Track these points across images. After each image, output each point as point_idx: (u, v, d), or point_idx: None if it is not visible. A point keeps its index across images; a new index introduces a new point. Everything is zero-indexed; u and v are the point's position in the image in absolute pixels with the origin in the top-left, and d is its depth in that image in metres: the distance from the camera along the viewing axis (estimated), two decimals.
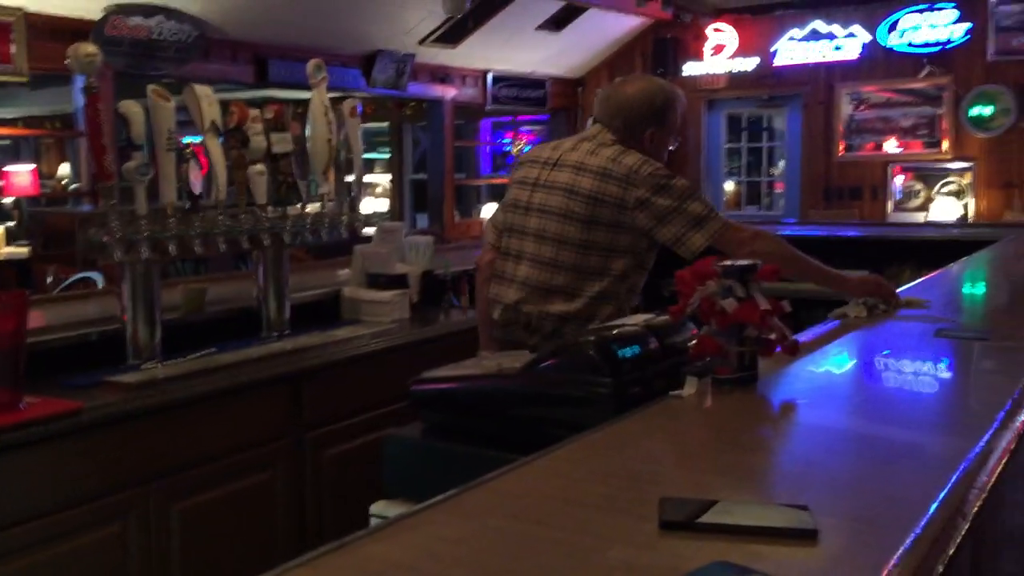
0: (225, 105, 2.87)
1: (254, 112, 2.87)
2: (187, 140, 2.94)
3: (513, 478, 1.31)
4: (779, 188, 10.65)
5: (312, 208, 3.11)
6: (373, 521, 1.80)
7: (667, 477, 1.35)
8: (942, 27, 9.09)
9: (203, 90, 2.76)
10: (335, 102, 3.20)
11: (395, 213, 12.25)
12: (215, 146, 2.76)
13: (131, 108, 2.59)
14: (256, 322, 3.10)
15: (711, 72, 10.42)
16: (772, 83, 10.16)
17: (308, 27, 7.89)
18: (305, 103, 3.08)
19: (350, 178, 3.34)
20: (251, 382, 2.62)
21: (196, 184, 2.75)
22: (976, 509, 1.16)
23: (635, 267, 2.55)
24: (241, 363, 2.71)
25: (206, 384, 2.51)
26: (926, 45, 9.18)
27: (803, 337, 2.20)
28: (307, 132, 3.06)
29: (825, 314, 2.76)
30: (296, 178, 3.04)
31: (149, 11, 6.81)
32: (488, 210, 11.18)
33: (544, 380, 1.83)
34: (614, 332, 1.89)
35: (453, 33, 8.98)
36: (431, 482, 1.38)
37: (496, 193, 12.09)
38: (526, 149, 12.17)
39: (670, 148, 2.68)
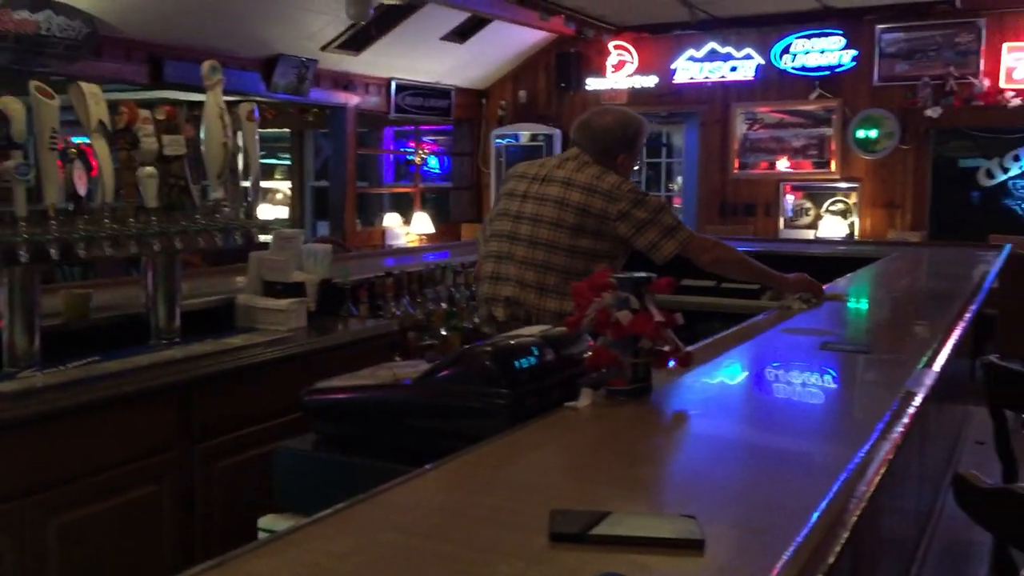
0: (115, 105, 2.77)
1: (145, 113, 2.77)
2: (77, 140, 2.82)
3: (404, 491, 1.29)
4: (677, 203, 10.88)
5: (205, 213, 3.02)
6: (261, 535, 1.76)
7: (559, 489, 1.35)
8: (831, 52, 9.46)
9: (90, 88, 2.65)
10: (232, 105, 3.12)
11: (295, 220, 12.04)
12: (102, 147, 2.66)
13: (11, 105, 2.47)
14: (145, 330, 2.99)
15: (613, 88, 10.59)
16: (671, 100, 10.39)
17: (206, 28, 7.70)
18: (202, 105, 3.00)
19: (247, 183, 3.26)
20: (137, 391, 2.52)
21: (81, 186, 2.64)
22: (855, 518, 1.20)
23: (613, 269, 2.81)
24: (127, 372, 2.60)
25: (88, 393, 2.41)
26: (817, 69, 9.53)
27: (696, 348, 2.25)
28: (201, 135, 2.97)
29: (719, 327, 2.83)
30: (189, 182, 2.95)
31: (37, 5, 6.53)
32: (390, 218, 11.09)
33: (440, 390, 1.82)
34: (511, 342, 1.89)
35: (357, 40, 8.89)
36: (322, 495, 1.36)
37: (398, 202, 12.02)
38: (429, 159, 12.19)
39: (635, 167, 3.21)
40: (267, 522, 1.81)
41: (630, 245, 2.93)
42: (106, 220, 2.67)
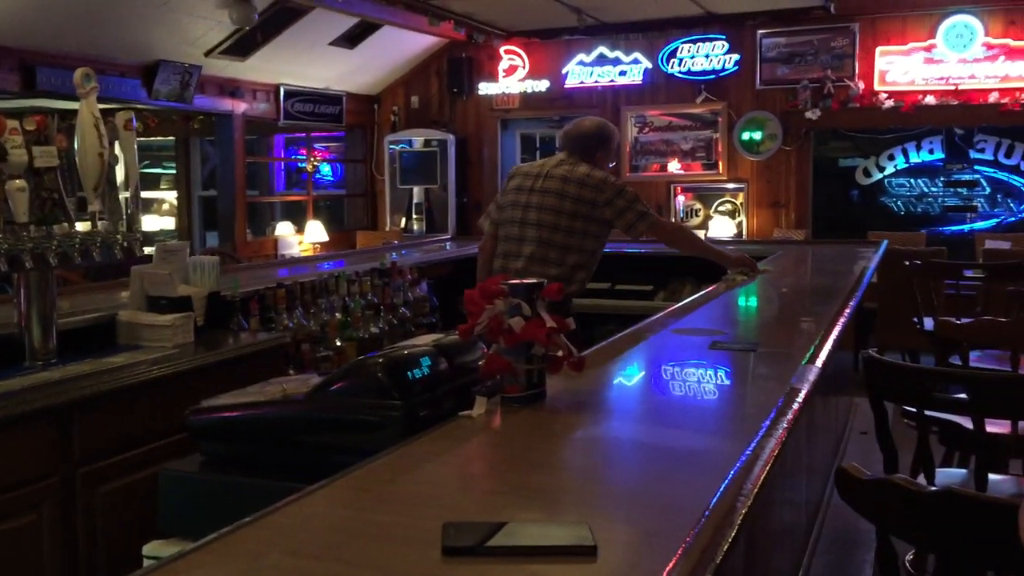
0: None
1: (12, 123, 2.64)
2: None
3: (293, 510, 1.25)
4: None
5: (82, 227, 2.90)
6: (147, 563, 1.68)
7: (453, 501, 1.34)
8: (715, 57, 9.72)
9: None
10: (109, 114, 3.00)
11: (183, 231, 11.69)
12: None
13: None
14: (18, 351, 2.84)
15: (505, 92, 10.64)
16: (563, 104, 10.49)
17: (82, 34, 7.40)
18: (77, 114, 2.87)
19: (126, 194, 3.14)
20: (11, 417, 2.39)
21: None
22: (743, 516, 1.22)
23: (598, 247, 3.91)
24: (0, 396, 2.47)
25: None
26: (702, 73, 9.78)
27: (590, 352, 2.26)
28: (76, 145, 2.84)
29: (614, 329, 2.86)
30: (63, 195, 2.82)
31: None
32: (282, 227, 10.87)
33: (332, 405, 1.78)
34: (404, 352, 1.86)
35: (242, 45, 8.68)
36: (210, 519, 1.31)
37: (291, 210, 11.78)
38: (322, 166, 12.01)
39: (610, 164, 4.11)
40: (152, 549, 1.74)
41: (612, 226, 3.84)
42: None
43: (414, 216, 10.64)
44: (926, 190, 9.18)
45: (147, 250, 3.38)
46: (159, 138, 11.72)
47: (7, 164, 2.64)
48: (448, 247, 6.77)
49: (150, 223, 12.04)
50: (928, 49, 8.87)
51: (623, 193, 3.83)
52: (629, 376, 2.24)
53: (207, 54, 8.55)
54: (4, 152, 2.62)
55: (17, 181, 2.65)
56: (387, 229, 10.81)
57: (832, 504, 3.60)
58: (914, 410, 2.61)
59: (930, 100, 8.78)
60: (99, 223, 2.93)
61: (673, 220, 9.92)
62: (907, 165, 9.20)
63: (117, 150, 3.01)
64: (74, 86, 2.89)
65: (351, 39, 9.59)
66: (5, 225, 2.65)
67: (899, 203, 9.28)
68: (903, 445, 2.63)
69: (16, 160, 2.65)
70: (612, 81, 10.15)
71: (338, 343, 3.82)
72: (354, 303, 3.98)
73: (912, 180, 9.22)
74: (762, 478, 1.35)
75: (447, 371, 1.85)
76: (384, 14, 8.71)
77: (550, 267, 3.72)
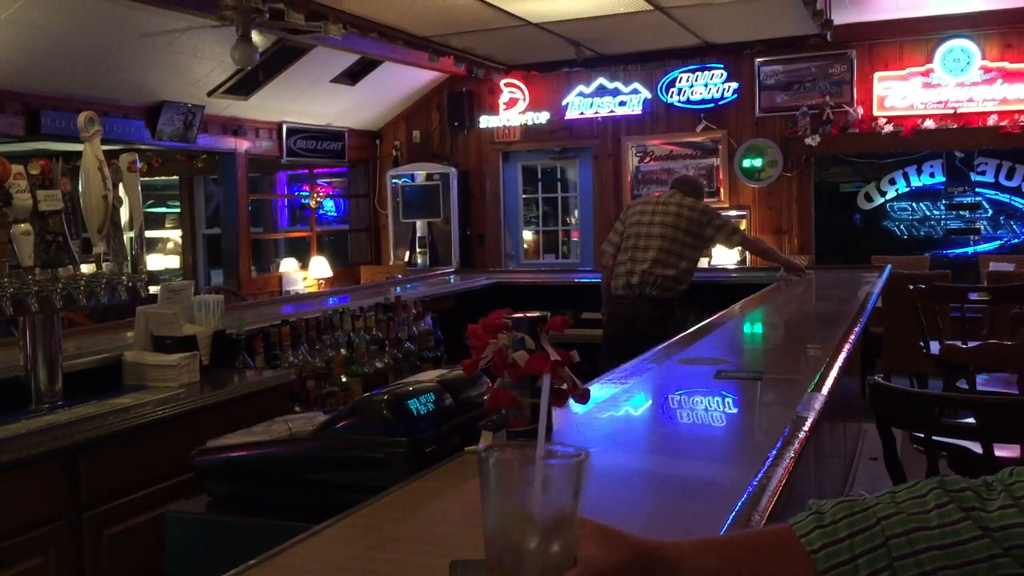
0: None
1: (17, 168, 2.66)
2: None
3: (300, 551, 1.25)
4: (576, 237, 11.02)
5: (87, 269, 2.91)
6: None
7: (460, 539, 1.33)
8: (714, 85, 9.78)
9: None
10: (113, 156, 3.03)
11: (188, 269, 11.73)
12: None
13: None
14: (24, 394, 2.84)
15: (506, 125, 10.71)
16: (564, 136, 10.55)
17: (86, 77, 7.48)
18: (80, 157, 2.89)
19: (130, 234, 3.15)
20: (18, 460, 2.39)
21: None
22: None
23: (698, 258, 5.53)
24: (5, 440, 2.46)
25: None
26: (701, 102, 9.84)
27: (595, 384, 2.26)
28: (80, 188, 2.87)
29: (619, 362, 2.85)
30: (67, 237, 2.83)
31: None
32: (287, 263, 10.90)
33: (337, 442, 1.78)
34: (409, 389, 1.86)
35: (244, 85, 8.77)
36: (217, 560, 1.30)
37: (295, 246, 11.82)
38: (325, 202, 12.06)
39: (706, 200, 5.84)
40: None
41: (713, 243, 5.59)
42: None
43: (418, 250, 10.67)
44: (928, 213, 9.19)
45: (152, 289, 3.39)
46: (163, 177, 11.80)
47: (12, 208, 2.66)
48: (452, 280, 6.78)
49: (155, 262, 12.08)
50: (926, 74, 8.93)
51: (719, 217, 5.62)
52: (635, 407, 2.23)
53: (210, 94, 8.63)
54: (9, 197, 2.64)
55: (22, 225, 2.67)
56: (391, 263, 10.83)
57: None
58: (922, 436, 2.59)
59: (929, 124, 8.82)
60: (104, 264, 2.94)
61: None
62: (908, 189, 9.22)
63: (121, 192, 3.03)
64: (78, 129, 2.92)
65: (352, 76, 9.67)
66: (10, 269, 2.66)
67: (901, 227, 9.29)
68: (913, 471, 2.61)
69: (21, 204, 2.67)
70: (612, 111, 10.21)
71: (343, 379, 3.81)
72: (359, 339, 3.98)
73: (914, 204, 9.23)
74: (770, 508, 1.34)
75: (452, 407, 1.85)
76: (384, 51, 8.79)
77: (668, 269, 5.25)
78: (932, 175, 9.12)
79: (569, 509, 0.97)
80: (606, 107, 10.24)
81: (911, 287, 5.52)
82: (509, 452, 1.03)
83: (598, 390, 2.20)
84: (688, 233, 5.30)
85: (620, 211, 10.43)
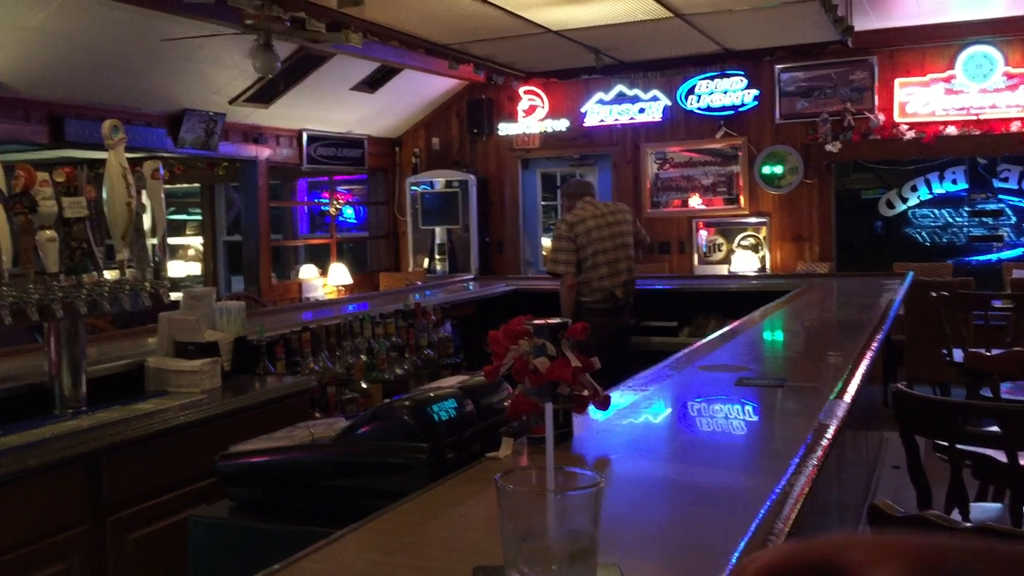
0: (11, 168, 2.68)
1: (43, 175, 2.69)
2: None
3: (322, 556, 1.25)
4: None
5: (111, 275, 2.94)
6: None
7: (482, 545, 1.33)
8: (733, 92, 9.76)
9: None
10: (137, 163, 3.06)
11: (209, 276, 11.80)
12: None
13: None
14: (49, 399, 2.87)
15: (525, 132, 10.72)
16: (583, 143, 10.55)
17: (109, 86, 7.55)
18: (105, 163, 2.92)
19: (153, 241, 3.18)
20: (41, 465, 2.41)
21: None
22: None
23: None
24: (30, 445, 2.49)
25: None
26: (721, 108, 9.82)
27: (615, 391, 2.26)
28: (104, 195, 2.89)
29: (636, 367, 2.84)
30: (92, 244, 2.86)
31: None
32: (306, 270, 10.96)
33: (359, 448, 1.78)
34: (430, 395, 1.86)
35: (265, 93, 8.83)
36: (240, 565, 1.31)
37: (314, 253, 11.88)
38: (344, 209, 12.11)
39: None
40: None
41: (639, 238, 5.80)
42: (5, 287, 2.57)
43: (437, 256, 10.70)
44: (951, 220, 9.12)
45: (174, 296, 3.41)
46: (184, 185, 11.89)
47: (37, 215, 2.69)
48: (471, 287, 6.79)
49: (176, 269, 12.17)
50: (948, 80, 8.87)
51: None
52: (656, 414, 2.23)
53: (231, 102, 8.70)
54: (35, 204, 2.67)
55: (47, 232, 2.70)
56: (410, 270, 10.86)
57: None
58: (946, 444, 2.57)
59: (952, 131, 8.76)
60: (127, 271, 2.97)
61: (696, 255, 9.95)
62: (931, 196, 9.16)
63: (144, 199, 3.05)
64: (102, 136, 2.95)
65: (372, 83, 9.72)
66: (36, 275, 2.69)
67: (924, 234, 9.22)
68: (936, 480, 2.60)
69: (46, 211, 2.70)
70: (631, 119, 10.21)
71: (363, 385, 3.83)
72: (379, 345, 3.99)
73: (936, 211, 9.17)
74: (793, 516, 1.34)
75: (473, 413, 1.85)
76: (404, 58, 8.83)
77: (634, 272, 5.65)
78: (955, 182, 9.06)
79: (587, 538, 0.97)
80: (625, 114, 10.24)
81: (934, 294, 5.48)
82: (525, 479, 1.03)
83: (618, 397, 2.20)
84: (630, 235, 5.62)
85: (640, 218, 10.52)
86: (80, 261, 2.82)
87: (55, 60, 6.90)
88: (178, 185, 11.69)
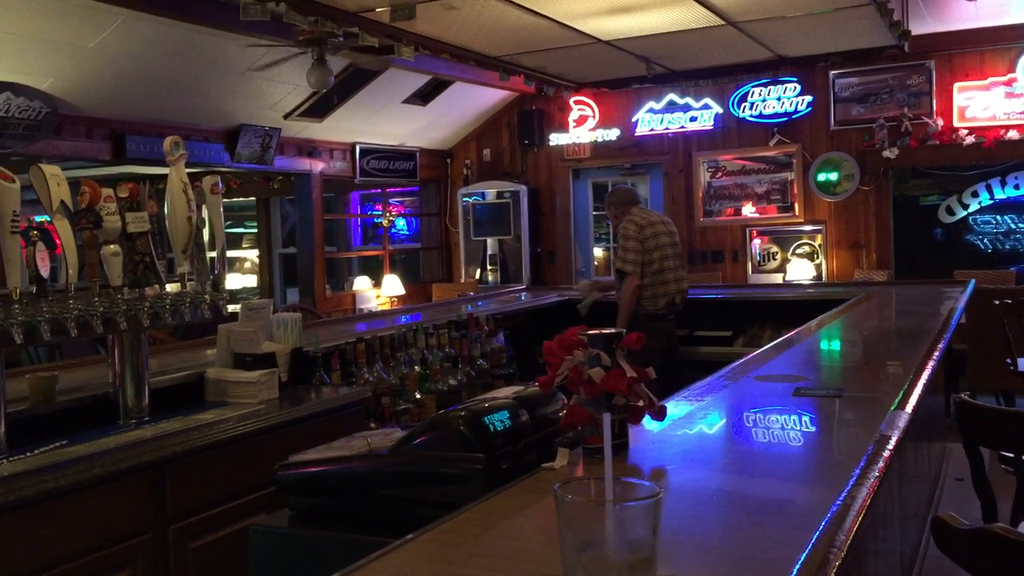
0: (76, 184, 2.76)
1: (107, 191, 2.76)
2: (39, 219, 2.80)
3: (382, 565, 1.26)
4: None
5: (172, 288, 3.00)
6: None
7: (539, 555, 1.33)
8: (787, 99, 9.65)
9: (51, 169, 2.64)
10: (196, 178, 3.12)
11: (264, 288, 11.99)
12: (64, 227, 2.64)
13: None
14: (113, 410, 2.94)
15: (576, 142, 10.72)
16: (634, 152, 10.52)
17: (168, 103, 7.73)
18: (165, 178, 2.99)
19: (213, 254, 3.24)
20: (106, 474, 2.47)
21: (44, 267, 2.62)
22: (835, 569, 1.18)
23: None
24: (95, 454, 2.55)
25: (55, 480, 2.35)
26: (774, 116, 9.72)
27: (670, 401, 2.24)
28: (165, 210, 2.96)
29: (691, 376, 2.82)
30: (154, 258, 2.93)
31: None
32: (360, 282, 11.07)
33: (415, 458, 1.80)
34: (485, 406, 1.87)
35: (319, 107, 8.96)
36: (299, 573, 1.33)
37: (368, 265, 11.99)
38: (397, 221, 12.22)
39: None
40: None
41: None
42: (71, 300, 2.64)
43: (488, 267, 10.74)
44: (1014, 227, 8.91)
45: (232, 308, 3.48)
46: (241, 199, 12.11)
47: (102, 231, 2.76)
48: (523, 297, 6.80)
49: (233, 281, 12.38)
50: (1008, 83, 8.68)
51: None
52: (712, 425, 2.21)
53: (286, 117, 8.84)
54: (99, 219, 2.75)
55: (112, 246, 2.77)
56: (462, 281, 10.92)
57: (929, 555, 3.46)
58: (1011, 455, 2.51)
59: (1013, 135, 8.57)
60: (188, 284, 3.03)
61: (749, 264, 9.86)
62: (992, 201, 8.96)
63: (204, 213, 3.12)
64: (161, 152, 3.03)
65: (423, 96, 9.81)
66: (100, 288, 2.76)
67: (985, 240, 9.02)
68: (1001, 492, 2.53)
69: (110, 226, 2.77)
70: (683, 127, 10.15)
71: (418, 396, 3.85)
72: (432, 355, 4.02)
73: (998, 217, 8.96)
74: (855, 529, 1.31)
75: (528, 423, 1.86)
76: (455, 71, 8.90)
77: (687, 282, 5.77)
78: (1017, 187, 8.85)
79: (647, 548, 0.96)
80: (677, 123, 10.19)
81: (997, 302, 5.35)
82: (584, 490, 1.02)
83: (673, 407, 2.18)
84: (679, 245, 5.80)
85: (692, 227, 10.48)
86: (143, 274, 2.88)
87: (115, 79, 7.08)
88: (235, 199, 11.91)
